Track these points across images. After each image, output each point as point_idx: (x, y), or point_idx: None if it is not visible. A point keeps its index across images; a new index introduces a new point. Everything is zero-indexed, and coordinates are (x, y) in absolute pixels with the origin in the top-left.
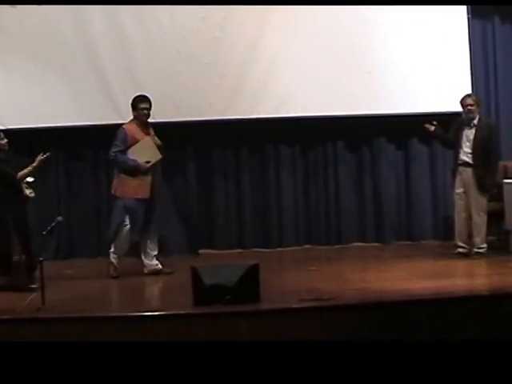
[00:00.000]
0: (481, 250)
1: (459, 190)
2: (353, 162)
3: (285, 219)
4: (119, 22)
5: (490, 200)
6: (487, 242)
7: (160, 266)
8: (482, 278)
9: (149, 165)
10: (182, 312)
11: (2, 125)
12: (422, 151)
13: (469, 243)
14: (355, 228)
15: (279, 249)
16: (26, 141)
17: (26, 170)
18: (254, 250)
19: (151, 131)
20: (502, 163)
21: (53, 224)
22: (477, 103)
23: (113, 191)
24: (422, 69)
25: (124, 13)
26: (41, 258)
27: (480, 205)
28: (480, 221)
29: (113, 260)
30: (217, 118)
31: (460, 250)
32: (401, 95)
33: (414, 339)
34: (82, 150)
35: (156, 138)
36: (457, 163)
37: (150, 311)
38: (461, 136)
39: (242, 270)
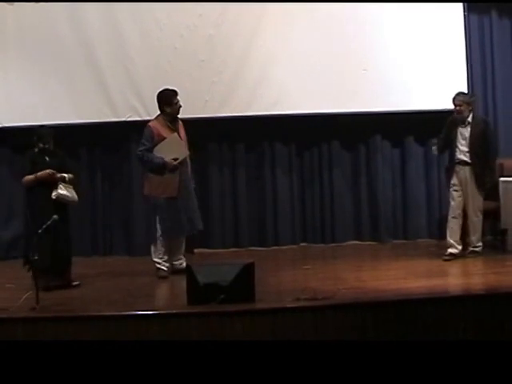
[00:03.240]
0: (476, 249)
1: (456, 188)
2: (348, 160)
3: (280, 218)
4: (116, 20)
5: (485, 198)
6: (483, 241)
7: (184, 265)
8: (478, 277)
9: (176, 162)
10: (175, 311)
11: None
12: (418, 149)
13: (460, 243)
14: (350, 226)
15: (275, 247)
16: (22, 139)
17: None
18: (250, 248)
19: (180, 126)
20: (498, 161)
21: (48, 222)
22: (467, 102)
23: (144, 191)
24: (419, 66)
25: (121, 10)
26: (35, 257)
27: (477, 203)
28: (476, 220)
29: (157, 266)
30: (212, 115)
31: (451, 250)
32: (397, 93)
33: (409, 338)
34: (77, 148)
35: (183, 133)
36: (453, 162)
37: (143, 310)
38: (455, 134)
39: (237, 269)
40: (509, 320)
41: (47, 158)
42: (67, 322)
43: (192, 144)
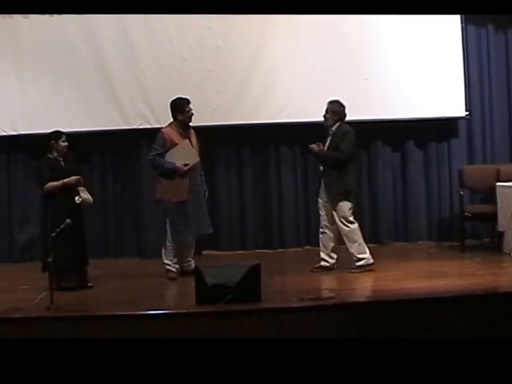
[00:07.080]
0: (359, 263)
1: (321, 201)
2: None
3: (285, 221)
4: (127, 32)
5: (482, 202)
6: (480, 244)
7: (193, 266)
8: (475, 277)
9: (186, 167)
10: (185, 311)
11: (15, 130)
12: (418, 154)
13: (331, 256)
14: None
15: (280, 250)
16: (37, 145)
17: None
18: (256, 251)
19: (192, 133)
20: (494, 166)
21: (62, 226)
22: (333, 110)
23: (156, 195)
24: (418, 76)
25: (132, 22)
26: (49, 259)
27: (340, 213)
28: (347, 231)
29: (167, 267)
30: (220, 123)
31: (321, 263)
32: (397, 101)
33: (408, 337)
34: (90, 153)
35: (195, 140)
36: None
37: (154, 310)
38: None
39: (244, 270)
40: (506, 319)
41: (62, 164)
42: (80, 321)
43: (201, 151)
